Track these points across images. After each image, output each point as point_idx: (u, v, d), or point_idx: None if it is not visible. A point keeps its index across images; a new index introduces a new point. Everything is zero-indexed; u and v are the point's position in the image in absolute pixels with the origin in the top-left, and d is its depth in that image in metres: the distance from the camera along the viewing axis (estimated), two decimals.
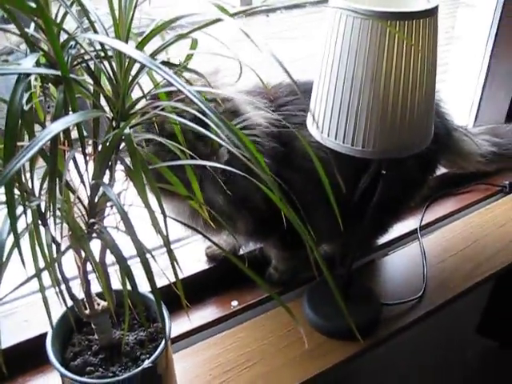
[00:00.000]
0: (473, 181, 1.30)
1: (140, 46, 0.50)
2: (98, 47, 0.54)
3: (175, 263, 0.54)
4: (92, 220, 0.55)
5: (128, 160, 0.54)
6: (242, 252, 1.05)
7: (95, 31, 0.52)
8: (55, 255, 0.56)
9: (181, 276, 0.64)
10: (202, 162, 0.56)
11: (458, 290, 1.03)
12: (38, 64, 0.49)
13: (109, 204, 0.57)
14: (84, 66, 0.54)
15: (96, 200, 0.54)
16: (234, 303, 1.00)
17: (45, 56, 0.51)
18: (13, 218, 0.43)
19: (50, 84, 0.54)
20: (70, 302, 0.69)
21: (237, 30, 0.56)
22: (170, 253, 0.52)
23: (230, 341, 0.95)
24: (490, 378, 1.52)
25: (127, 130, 0.49)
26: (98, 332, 0.71)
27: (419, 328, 1.03)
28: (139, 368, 0.67)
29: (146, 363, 0.67)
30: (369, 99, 0.70)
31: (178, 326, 0.92)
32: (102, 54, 0.53)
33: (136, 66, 0.54)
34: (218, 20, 0.47)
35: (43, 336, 0.90)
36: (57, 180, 0.49)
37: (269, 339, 0.95)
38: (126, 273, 0.49)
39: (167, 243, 0.53)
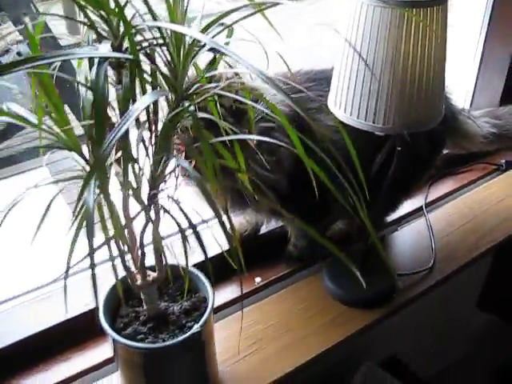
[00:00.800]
0: (471, 161, 1.39)
1: (203, 31, 0.57)
2: (155, 35, 0.61)
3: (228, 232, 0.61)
4: (153, 191, 0.62)
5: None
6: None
7: (154, 19, 0.59)
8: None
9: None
10: (251, 136, 0.63)
11: (466, 260, 1.12)
12: None
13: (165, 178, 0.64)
14: (143, 52, 0.60)
15: (158, 173, 0.61)
16: (258, 279, 1.08)
17: (112, 44, 0.57)
18: (105, 188, 0.49)
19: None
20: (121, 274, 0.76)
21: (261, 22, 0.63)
22: (223, 224, 0.59)
23: (256, 314, 1.02)
24: (495, 348, 1.62)
25: (192, 108, 0.56)
26: (147, 302, 0.77)
27: (425, 300, 1.12)
28: (189, 332, 0.74)
29: (196, 327, 0.74)
30: (389, 80, 0.78)
31: None
32: (160, 41, 0.60)
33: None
34: (276, 4, 0.54)
35: (81, 316, 0.97)
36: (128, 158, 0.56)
37: (292, 312, 1.02)
38: (197, 237, 0.56)
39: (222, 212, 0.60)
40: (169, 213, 0.62)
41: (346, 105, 0.82)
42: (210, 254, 0.98)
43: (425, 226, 1.21)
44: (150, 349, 0.74)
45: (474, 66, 1.42)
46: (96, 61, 0.52)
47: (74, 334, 0.96)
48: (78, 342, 0.96)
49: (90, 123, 0.54)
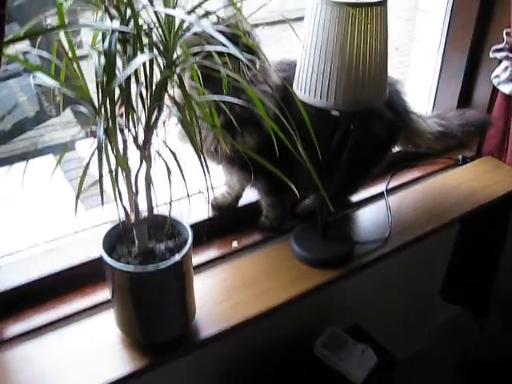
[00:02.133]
0: (430, 156, 1.62)
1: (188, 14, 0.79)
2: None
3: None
4: (148, 137, 0.84)
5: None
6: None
7: (152, 4, 0.82)
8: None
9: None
10: (225, 97, 0.85)
11: (418, 234, 1.34)
12: None
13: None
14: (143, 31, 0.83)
15: (152, 121, 0.83)
16: (235, 244, 1.29)
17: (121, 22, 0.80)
18: (113, 121, 0.71)
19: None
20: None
21: None
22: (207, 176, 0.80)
23: (234, 269, 1.23)
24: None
25: (178, 71, 0.79)
26: (139, 239, 0.98)
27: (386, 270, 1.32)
28: (173, 260, 0.95)
29: (178, 256, 0.95)
30: (339, 66, 1.01)
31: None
32: (157, 24, 0.82)
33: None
34: None
35: (84, 264, 1.18)
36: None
37: (263, 270, 1.23)
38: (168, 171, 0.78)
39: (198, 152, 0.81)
40: (160, 155, 0.84)
41: (305, 87, 1.05)
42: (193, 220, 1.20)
43: (384, 207, 1.43)
44: (137, 272, 0.94)
45: (435, 74, 1.67)
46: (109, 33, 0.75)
47: (76, 279, 1.17)
48: (80, 287, 1.17)
49: (103, 79, 0.77)
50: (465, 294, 1.81)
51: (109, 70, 0.72)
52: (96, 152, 0.76)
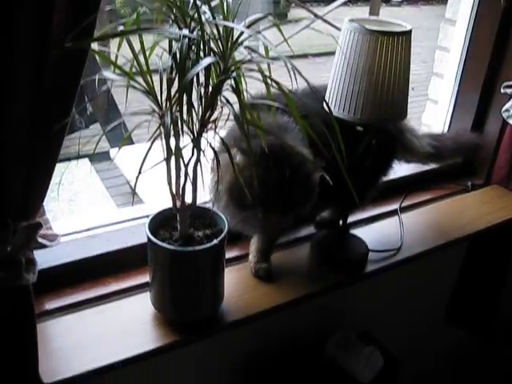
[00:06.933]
0: (443, 181, 1.77)
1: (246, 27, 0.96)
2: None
3: None
4: (201, 128, 0.99)
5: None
6: None
7: (213, 17, 0.98)
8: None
9: None
10: (267, 101, 1.01)
11: (426, 248, 1.48)
12: None
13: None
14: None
15: (206, 116, 0.99)
16: None
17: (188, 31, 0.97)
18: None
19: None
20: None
21: None
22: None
23: None
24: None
25: (234, 74, 0.95)
26: (181, 224, 1.12)
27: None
28: (212, 243, 1.09)
29: (215, 240, 1.09)
30: (367, 86, 1.17)
31: None
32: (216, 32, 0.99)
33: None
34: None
35: (122, 250, 1.32)
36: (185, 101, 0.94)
37: (286, 267, 1.37)
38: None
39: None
40: (211, 146, 0.99)
41: (335, 103, 1.21)
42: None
43: (397, 223, 1.57)
44: (178, 251, 1.08)
45: (450, 107, 1.84)
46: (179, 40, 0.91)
47: (112, 264, 1.30)
48: (115, 272, 1.31)
49: (171, 76, 0.93)
50: (470, 317, 1.93)
51: (181, 67, 0.88)
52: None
